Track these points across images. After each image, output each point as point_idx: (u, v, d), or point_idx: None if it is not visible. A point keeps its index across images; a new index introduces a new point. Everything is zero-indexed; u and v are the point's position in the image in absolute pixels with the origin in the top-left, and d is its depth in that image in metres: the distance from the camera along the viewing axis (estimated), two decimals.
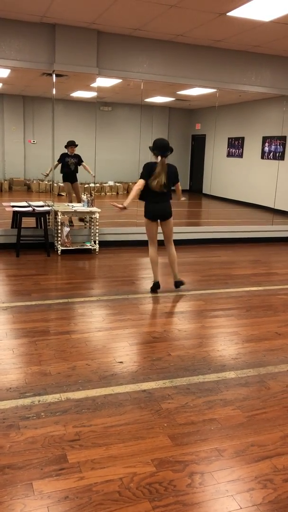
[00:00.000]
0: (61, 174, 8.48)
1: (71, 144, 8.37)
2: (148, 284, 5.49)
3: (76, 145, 8.39)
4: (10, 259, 6.41)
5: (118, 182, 15.13)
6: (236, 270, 6.49)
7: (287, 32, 6.24)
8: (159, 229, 5.18)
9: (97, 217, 6.94)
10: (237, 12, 5.49)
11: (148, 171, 4.87)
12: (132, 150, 14.16)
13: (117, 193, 15.15)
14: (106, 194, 14.62)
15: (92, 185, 8.39)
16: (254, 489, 2.23)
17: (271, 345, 3.94)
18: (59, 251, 6.79)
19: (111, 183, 14.89)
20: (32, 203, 7.07)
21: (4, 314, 4.37)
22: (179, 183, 5.18)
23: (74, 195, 8.63)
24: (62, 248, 6.78)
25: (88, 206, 7.01)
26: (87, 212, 6.97)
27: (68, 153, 8.36)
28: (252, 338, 4.09)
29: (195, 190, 15.61)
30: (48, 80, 8.97)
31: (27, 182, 14.41)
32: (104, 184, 14.74)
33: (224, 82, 7.66)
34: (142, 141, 14.87)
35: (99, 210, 6.95)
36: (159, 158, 4.83)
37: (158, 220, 5.09)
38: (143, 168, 4.93)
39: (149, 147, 4.98)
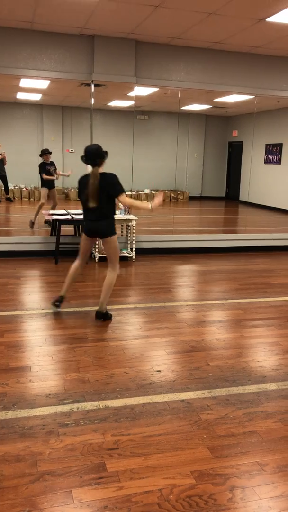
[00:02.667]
0: (41, 181, 8.59)
1: (46, 152, 8.55)
2: (185, 292, 5.45)
3: (51, 152, 8.58)
4: (49, 266, 6.51)
5: (154, 190, 15.16)
6: (276, 278, 6.36)
7: None
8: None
9: (134, 225, 6.96)
10: (277, 18, 5.42)
11: (80, 186, 4.31)
12: (168, 157, 14.19)
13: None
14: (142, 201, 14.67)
15: (129, 193, 8.41)
16: None
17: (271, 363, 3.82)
18: (96, 259, 6.85)
19: (147, 191, 14.95)
20: (70, 211, 7.17)
21: (44, 320, 4.43)
22: (122, 196, 4.15)
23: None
24: (100, 255, 6.83)
25: (125, 214, 7.04)
26: (124, 220, 7.01)
27: (45, 161, 8.52)
28: None
29: (232, 197, 15.46)
30: (86, 90, 9.11)
31: (65, 190, 14.65)
32: (141, 192, 14.82)
33: (262, 88, 7.57)
34: (178, 149, 14.93)
35: (136, 218, 6.97)
36: (90, 168, 4.19)
37: (98, 238, 4.56)
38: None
39: (81, 157, 4.25)
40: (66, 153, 14.72)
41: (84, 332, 4.19)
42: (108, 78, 6.75)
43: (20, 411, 2.85)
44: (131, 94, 8.01)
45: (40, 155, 8.55)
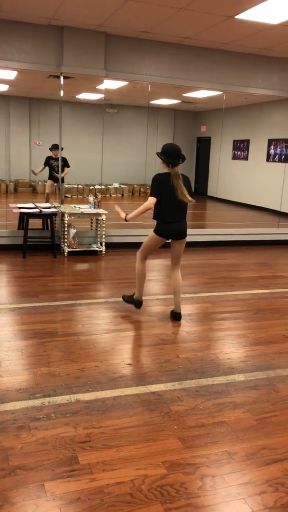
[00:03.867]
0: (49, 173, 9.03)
1: (54, 147, 8.69)
2: (155, 286, 5.49)
3: (58, 148, 8.50)
4: (16, 260, 6.43)
5: (123, 184, 15.15)
6: (243, 272, 6.48)
7: None
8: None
9: (104, 219, 6.95)
10: (246, 15, 5.49)
11: (160, 186, 4.10)
12: (137, 152, 14.19)
13: (122, 195, 15.17)
14: (111, 196, 14.65)
15: (98, 186, 8.39)
16: (266, 492, 2.23)
17: (279, 348, 3.93)
18: (65, 253, 6.80)
19: (116, 185, 14.92)
20: (39, 205, 7.09)
21: (12, 315, 4.38)
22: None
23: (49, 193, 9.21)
24: (69, 249, 6.79)
25: (94, 207, 7.02)
26: (94, 214, 6.98)
27: (53, 156, 8.77)
28: (260, 341, 4.08)
29: (200, 192, 15.61)
30: (54, 82, 8.99)
31: (32, 183, 14.46)
32: (110, 186, 14.78)
33: (231, 84, 7.66)
34: (148, 143, 14.94)
35: (106, 212, 6.96)
36: (169, 167, 4.10)
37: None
38: (154, 183, 4.12)
39: (158, 154, 4.16)
40: (34, 145, 14.51)
41: (54, 326, 4.17)
42: (78, 70, 6.69)
43: None
44: (100, 87, 7.97)
45: (50, 149, 8.84)
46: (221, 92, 8.20)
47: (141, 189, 15.61)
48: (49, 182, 9.17)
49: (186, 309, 4.82)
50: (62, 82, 6.86)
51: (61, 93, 7.01)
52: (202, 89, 8.12)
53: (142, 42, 6.91)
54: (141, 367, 3.45)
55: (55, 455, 2.41)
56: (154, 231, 4.27)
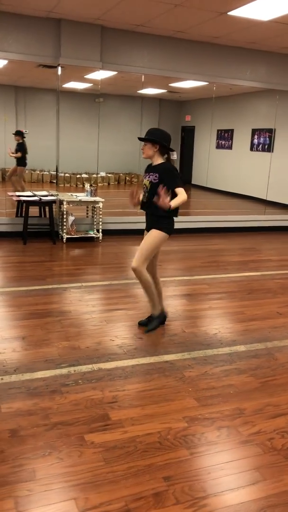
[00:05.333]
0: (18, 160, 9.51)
1: (15, 134, 9.48)
2: None
3: (15, 134, 9.51)
4: (17, 247, 6.66)
5: (109, 173, 15.36)
6: (233, 257, 6.86)
7: (283, 30, 6.57)
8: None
9: (101, 207, 7.22)
10: (238, 12, 5.79)
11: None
12: (122, 141, 14.44)
13: (109, 183, 15.39)
14: (97, 184, 14.86)
15: (94, 175, 8.63)
16: (274, 438, 2.59)
17: (274, 323, 4.32)
18: (64, 239, 7.06)
19: (102, 174, 15.12)
20: (37, 193, 7.31)
21: (26, 296, 4.65)
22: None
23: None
24: (67, 236, 7.06)
25: (91, 195, 7.28)
26: (91, 202, 7.25)
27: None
28: (256, 317, 4.46)
29: (185, 180, 15.91)
30: (42, 72, 9.19)
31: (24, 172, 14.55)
32: (95, 175, 14.96)
33: (220, 76, 7.97)
34: (134, 133, 15.13)
35: (103, 199, 7.23)
36: (174, 156, 3.74)
37: None
38: (177, 174, 3.72)
39: (149, 139, 3.65)
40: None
41: (66, 306, 4.47)
42: (75, 62, 6.90)
43: (22, 375, 3.12)
44: (89, 76, 8.18)
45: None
46: (207, 83, 8.48)
47: (127, 178, 15.88)
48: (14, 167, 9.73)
49: (185, 290, 5.16)
50: (60, 73, 7.05)
51: (59, 83, 7.20)
52: (193, 80, 8.38)
53: (137, 35, 7.15)
54: (152, 341, 3.79)
55: (88, 413, 2.73)
56: (165, 229, 3.73)
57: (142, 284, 3.82)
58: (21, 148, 9.21)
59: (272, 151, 11.71)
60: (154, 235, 3.72)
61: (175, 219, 3.82)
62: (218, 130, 14.87)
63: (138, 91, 13.35)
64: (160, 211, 3.59)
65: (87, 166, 14.11)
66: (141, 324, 4.05)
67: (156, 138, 3.64)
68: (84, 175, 14.74)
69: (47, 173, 15.14)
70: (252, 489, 2.20)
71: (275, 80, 8.31)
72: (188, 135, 16.07)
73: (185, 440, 2.54)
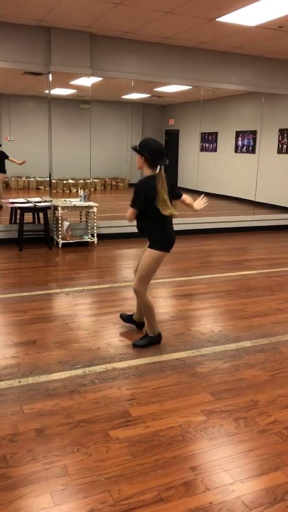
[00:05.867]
0: None
1: None
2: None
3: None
4: (14, 253, 6.69)
5: (95, 178, 15.43)
6: (228, 257, 7.00)
7: (268, 35, 6.75)
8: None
9: (95, 211, 7.30)
10: (226, 18, 5.95)
11: (149, 192, 3.43)
12: (107, 146, 14.55)
13: (95, 188, 15.46)
14: (90, 190, 14.95)
15: (82, 181, 8.71)
16: None
17: (275, 319, 4.45)
18: (59, 245, 7.11)
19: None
20: (30, 199, 7.35)
21: (30, 301, 4.70)
22: (184, 194, 3.82)
23: None
24: (63, 241, 7.11)
25: (85, 200, 7.35)
26: (85, 207, 7.32)
27: None
28: (257, 313, 4.58)
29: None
30: (28, 79, 9.23)
31: (5, 179, 14.53)
32: (81, 181, 15.05)
33: (208, 80, 8.13)
34: (119, 138, 15.29)
35: (97, 204, 7.30)
36: (157, 168, 3.45)
37: None
38: (139, 191, 3.44)
39: (137, 150, 3.46)
40: (5, 141, 14.56)
41: (72, 309, 4.53)
42: (65, 69, 6.98)
43: (39, 377, 3.18)
44: (75, 82, 8.25)
45: None
46: (192, 87, 8.62)
47: (113, 183, 15.98)
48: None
49: (185, 290, 5.27)
50: (50, 79, 7.11)
51: (49, 91, 7.27)
52: (180, 85, 8.52)
53: (125, 41, 7.26)
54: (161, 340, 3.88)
55: (109, 411, 2.81)
56: (156, 247, 3.58)
57: (142, 306, 3.76)
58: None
59: (256, 153, 11.92)
60: (146, 254, 3.62)
61: None
62: (202, 133, 15.07)
63: (122, 96, 13.50)
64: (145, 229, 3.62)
65: (73, 172, 14.18)
66: (122, 317, 4.10)
67: (141, 150, 3.44)
68: (70, 181, 14.79)
69: (33, 179, 15.15)
70: (275, 474, 2.30)
71: (261, 83, 8.51)
72: (172, 138, 16.25)
73: (206, 432, 2.63)
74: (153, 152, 3.43)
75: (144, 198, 3.45)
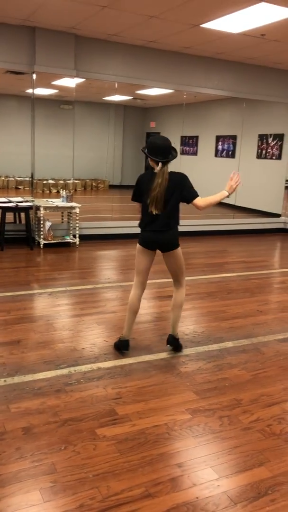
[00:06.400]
0: None
1: None
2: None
3: None
4: None
5: (76, 179, 15.38)
6: (209, 259, 7.09)
7: (250, 43, 6.89)
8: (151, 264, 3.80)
9: (77, 212, 7.30)
10: (210, 25, 6.05)
11: (141, 186, 3.47)
12: (88, 147, 14.54)
13: (75, 189, 15.41)
14: (72, 191, 14.92)
15: (70, 181, 8.70)
16: (272, 424, 2.78)
17: (256, 320, 4.54)
18: (41, 245, 7.09)
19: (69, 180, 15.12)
20: (12, 199, 7.31)
21: (13, 301, 4.69)
22: (197, 199, 3.47)
23: None
24: (45, 242, 7.09)
25: (67, 201, 7.35)
26: (67, 208, 7.32)
27: None
28: (238, 315, 4.67)
29: None
30: (7, 78, 9.19)
31: None
32: (69, 181, 15.02)
33: (190, 85, 8.23)
34: (99, 139, 15.32)
35: (79, 205, 7.31)
36: (159, 165, 3.36)
37: (156, 251, 3.65)
38: (135, 184, 3.54)
39: (142, 150, 3.46)
40: None
41: (55, 310, 4.54)
42: (49, 70, 6.98)
43: (24, 376, 3.19)
44: (56, 82, 8.26)
45: None
46: (175, 90, 8.72)
47: (93, 184, 15.97)
48: None
49: (168, 292, 5.31)
50: (34, 79, 7.10)
51: (33, 90, 7.25)
52: (163, 89, 8.60)
53: (110, 44, 7.30)
54: (144, 340, 3.93)
55: (96, 409, 2.84)
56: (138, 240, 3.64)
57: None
58: None
59: (236, 157, 12.10)
60: None
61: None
62: (182, 137, 15.19)
63: (104, 98, 13.52)
64: None
65: (54, 172, 14.12)
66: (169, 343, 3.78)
67: (143, 149, 3.45)
68: (51, 181, 14.73)
69: (13, 179, 15.04)
70: (259, 470, 2.37)
71: (242, 89, 8.65)
72: None
73: (191, 430, 2.69)
74: (151, 148, 3.39)
75: (138, 191, 3.50)
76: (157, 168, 3.38)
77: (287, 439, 2.65)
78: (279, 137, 10.69)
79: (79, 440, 2.53)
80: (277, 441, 2.62)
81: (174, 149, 3.46)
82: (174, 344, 3.73)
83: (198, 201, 3.46)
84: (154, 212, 3.41)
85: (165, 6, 5.40)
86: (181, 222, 3.67)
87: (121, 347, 3.65)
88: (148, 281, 5.51)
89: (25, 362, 3.41)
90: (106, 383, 3.16)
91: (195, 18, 5.82)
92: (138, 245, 3.62)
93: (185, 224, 8.78)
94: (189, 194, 3.47)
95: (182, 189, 3.46)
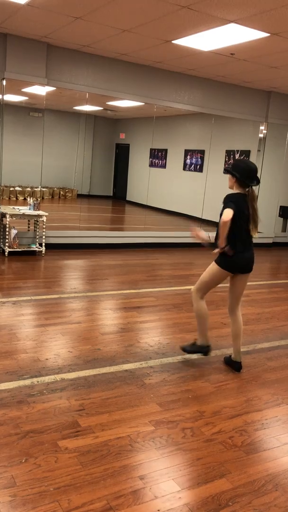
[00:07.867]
0: None
1: None
2: (103, 283, 5.93)
3: None
4: None
5: (44, 187, 15.27)
6: (175, 271, 7.15)
7: (220, 60, 7.06)
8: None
9: (44, 221, 7.24)
10: (182, 41, 6.17)
11: (238, 206, 3.50)
12: (57, 155, 14.47)
13: (43, 197, 15.29)
14: (40, 199, 14.77)
15: (38, 189, 8.62)
16: (234, 436, 2.82)
17: (220, 333, 4.60)
18: (6, 253, 6.98)
19: (37, 188, 15.00)
20: None
21: None
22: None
23: None
24: (10, 250, 6.98)
25: (34, 209, 7.28)
26: (34, 216, 7.24)
27: None
28: None
29: (119, 197, 16.24)
30: None
31: None
32: (36, 189, 14.87)
33: (160, 99, 8.35)
34: (68, 148, 15.29)
35: (47, 213, 7.25)
36: (249, 188, 3.54)
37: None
38: (231, 201, 3.51)
39: (228, 170, 3.56)
40: None
41: (19, 319, 4.47)
42: (20, 77, 6.93)
43: None
44: (27, 90, 8.22)
45: None
46: (145, 103, 8.82)
47: (61, 193, 15.89)
48: None
49: (135, 303, 5.33)
50: (4, 85, 7.04)
51: (3, 97, 7.18)
52: (133, 101, 8.67)
53: (82, 54, 7.34)
54: (109, 351, 3.91)
55: (58, 421, 2.80)
56: (219, 263, 3.67)
57: (194, 310, 3.95)
58: None
59: (203, 171, 12.31)
60: (209, 266, 3.81)
61: None
62: (152, 149, 15.33)
63: (74, 107, 13.52)
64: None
65: (21, 179, 13.98)
66: (186, 350, 3.88)
67: (233, 171, 3.53)
68: (18, 188, 14.56)
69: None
70: (220, 481, 2.39)
71: (211, 105, 8.84)
72: (122, 152, 16.42)
73: (154, 441, 2.69)
74: (244, 173, 3.51)
75: (238, 213, 3.48)
76: (244, 190, 3.56)
77: (248, 450, 2.69)
78: (246, 153, 10.94)
79: (40, 453, 2.49)
80: (238, 452, 2.65)
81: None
82: (239, 369, 3.77)
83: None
84: (255, 234, 3.58)
85: (138, 21, 5.48)
86: (149, 233, 3.69)
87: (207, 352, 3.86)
88: (114, 292, 5.55)
89: None
90: (69, 394, 3.13)
91: (167, 34, 5.93)
92: (221, 269, 3.66)
93: (152, 235, 8.87)
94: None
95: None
